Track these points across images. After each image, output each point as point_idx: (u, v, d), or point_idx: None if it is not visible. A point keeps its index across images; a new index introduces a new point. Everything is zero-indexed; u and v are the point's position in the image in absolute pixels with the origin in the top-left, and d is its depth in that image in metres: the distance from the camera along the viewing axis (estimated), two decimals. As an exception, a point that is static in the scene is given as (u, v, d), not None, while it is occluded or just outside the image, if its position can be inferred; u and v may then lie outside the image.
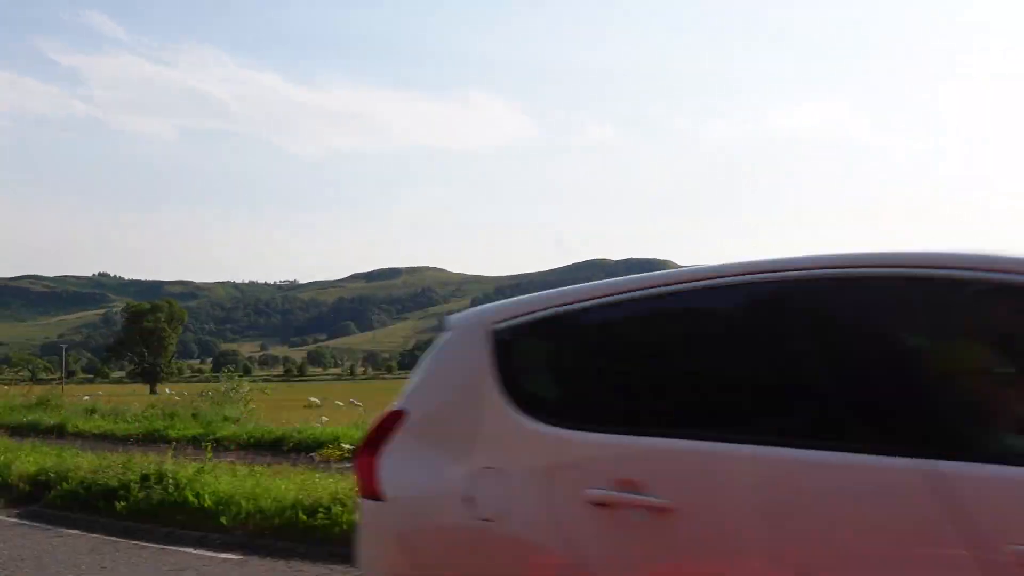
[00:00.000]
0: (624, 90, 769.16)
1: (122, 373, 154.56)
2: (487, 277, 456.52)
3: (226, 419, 15.88)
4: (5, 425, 15.94)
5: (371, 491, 2.68)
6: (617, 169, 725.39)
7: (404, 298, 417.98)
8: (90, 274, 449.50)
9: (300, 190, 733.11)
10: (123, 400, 23.86)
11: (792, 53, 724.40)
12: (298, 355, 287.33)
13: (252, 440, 13.69)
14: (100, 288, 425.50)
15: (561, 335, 2.74)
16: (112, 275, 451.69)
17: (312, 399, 16.13)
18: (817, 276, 2.20)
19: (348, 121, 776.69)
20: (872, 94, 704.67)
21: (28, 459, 10.24)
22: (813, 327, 2.24)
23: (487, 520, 2.40)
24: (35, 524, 8.15)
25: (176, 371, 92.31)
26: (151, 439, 14.01)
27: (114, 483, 8.25)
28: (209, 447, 10.53)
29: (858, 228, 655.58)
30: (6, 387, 25.21)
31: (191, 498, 7.56)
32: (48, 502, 8.73)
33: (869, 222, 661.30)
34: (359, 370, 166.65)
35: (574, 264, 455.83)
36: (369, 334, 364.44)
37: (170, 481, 7.87)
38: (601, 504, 2.21)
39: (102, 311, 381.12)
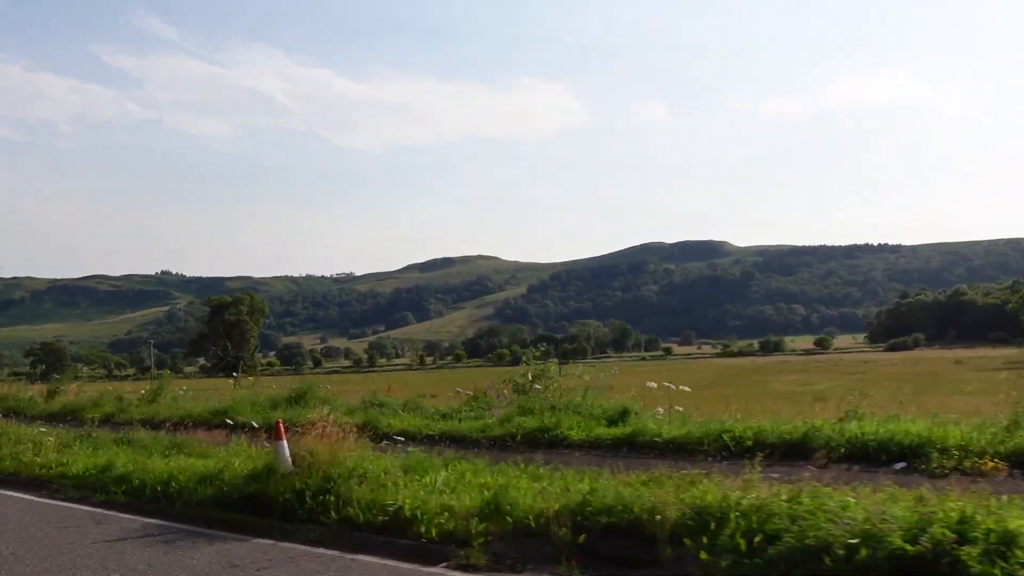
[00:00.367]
0: (675, 69, 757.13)
1: (193, 368, 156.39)
2: (541, 264, 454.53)
3: (625, 413, 11.76)
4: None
5: None
6: (670, 150, 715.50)
7: (460, 287, 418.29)
8: (153, 272, 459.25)
9: (353, 183, 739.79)
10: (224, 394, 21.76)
11: (848, 23, 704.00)
12: (358, 347, 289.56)
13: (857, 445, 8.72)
14: (163, 286, 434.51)
15: None
16: (174, 273, 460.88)
17: (650, 384, 12.87)
18: None
19: (398, 113, 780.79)
20: (934, 60, 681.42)
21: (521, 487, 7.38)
22: None
23: None
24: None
25: (257, 364, 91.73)
26: (536, 442, 10.94)
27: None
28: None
29: (925, 200, 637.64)
30: (120, 384, 24.15)
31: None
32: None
33: (936, 192, 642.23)
34: (428, 359, 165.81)
35: (629, 248, 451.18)
36: (427, 324, 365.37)
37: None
38: None
39: (166, 308, 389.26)
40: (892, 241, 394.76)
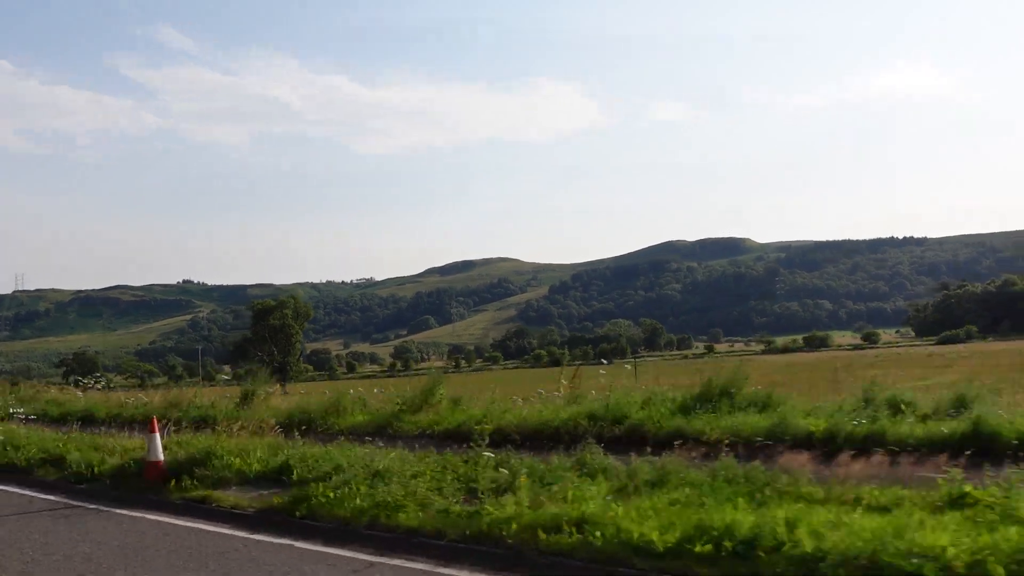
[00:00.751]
0: (693, 66, 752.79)
1: (227, 376, 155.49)
2: (561, 265, 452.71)
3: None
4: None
5: None
6: (689, 148, 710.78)
7: (480, 290, 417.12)
8: (175, 282, 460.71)
9: (370, 189, 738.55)
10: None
11: (867, 16, 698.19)
12: (382, 351, 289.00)
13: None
14: (185, 295, 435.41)
15: None
16: (196, 282, 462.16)
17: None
18: None
19: (414, 118, 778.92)
20: (956, 51, 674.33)
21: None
22: None
23: None
24: None
25: (302, 370, 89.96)
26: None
27: None
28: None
29: (950, 191, 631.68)
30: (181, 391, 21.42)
31: None
32: None
33: (961, 183, 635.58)
34: (462, 363, 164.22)
35: (650, 247, 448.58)
36: (448, 327, 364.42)
37: None
38: None
39: (189, 316, 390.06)
40: (917, 234, 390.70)
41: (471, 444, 9.86)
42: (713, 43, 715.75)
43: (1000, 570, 5.06)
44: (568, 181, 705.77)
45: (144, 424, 13.73)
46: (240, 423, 12.45)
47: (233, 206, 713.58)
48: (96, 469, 11.55)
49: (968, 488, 6.57)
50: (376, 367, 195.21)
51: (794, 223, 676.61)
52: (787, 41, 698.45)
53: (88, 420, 17.66)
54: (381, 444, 11.42)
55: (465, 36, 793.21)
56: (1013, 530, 5.56)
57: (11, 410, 18.80)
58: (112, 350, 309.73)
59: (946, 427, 8.86)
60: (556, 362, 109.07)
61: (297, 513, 8.59)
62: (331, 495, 8.57)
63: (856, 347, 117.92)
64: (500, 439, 10.48)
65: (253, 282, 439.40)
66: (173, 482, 10.36)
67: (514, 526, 7.01)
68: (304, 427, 13.55)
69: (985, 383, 13.17)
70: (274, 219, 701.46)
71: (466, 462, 9.18)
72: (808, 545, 5.70)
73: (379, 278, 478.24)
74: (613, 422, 10.97)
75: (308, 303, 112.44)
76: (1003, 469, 7.04)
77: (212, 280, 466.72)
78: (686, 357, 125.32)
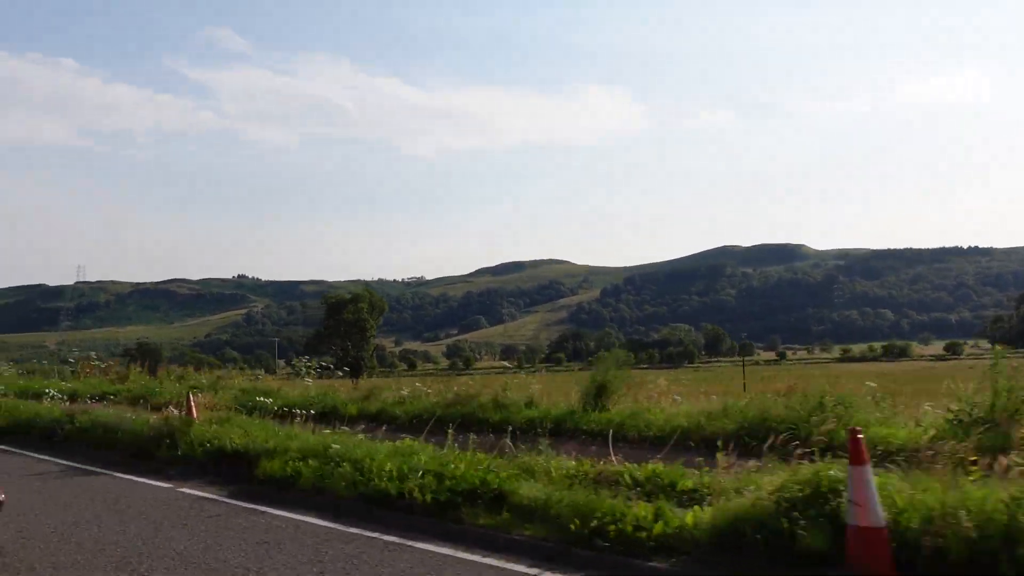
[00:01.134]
0: (740, 73, 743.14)
1: (286, 369, 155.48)
2: (613, 268, 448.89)
3: None
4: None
5: None
6: (738, 154, 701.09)
7: (532, 291, 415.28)
8: (230, 276, 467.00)
9: (421, 190, 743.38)
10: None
11: (917, 23, 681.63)
12: (433, 350, 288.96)
13: None
14: (240, 289, 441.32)
15: None
16: (250, 277, 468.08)
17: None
18: None
19: (463, 121, 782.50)
20: (1007, 58, 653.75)
21: None
22: None
23: None
24: None
25: (375, 366, 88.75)
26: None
27: None
28: None
29: (1012, 200, 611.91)
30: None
31: None
32: None
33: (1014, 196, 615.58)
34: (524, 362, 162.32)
35: (703, 251, 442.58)
36: (500, 327, 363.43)
37: None
38: None
39: (243, 311, 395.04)
40: (982, 244, 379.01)
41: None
42: (758, 52, 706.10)
43: None
44: (617, 185, 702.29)
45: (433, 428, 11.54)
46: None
47: (286, 205, 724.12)
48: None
49: None
50: (431, 365, 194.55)
51: (850, 229, 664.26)
52: (836, 49, 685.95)
53: (326, 416, 14.15)
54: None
55: (513, 42, 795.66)
56: None
57: (257, 399, 15.21)
58: (169, 342, 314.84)
59: None
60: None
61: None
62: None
63: (939, 357, 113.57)
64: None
65: (306, 279, 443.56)
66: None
67: None
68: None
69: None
70: (326, 218, 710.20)
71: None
72: None
73: (429, 277, 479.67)
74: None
75: (383, 298, 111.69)
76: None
77: (266, 276, 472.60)
78: (757, 364, 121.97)
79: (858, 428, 5.76)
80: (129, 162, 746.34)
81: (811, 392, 9.50)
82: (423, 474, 8.19)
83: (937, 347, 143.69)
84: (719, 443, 8.01)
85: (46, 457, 13.27)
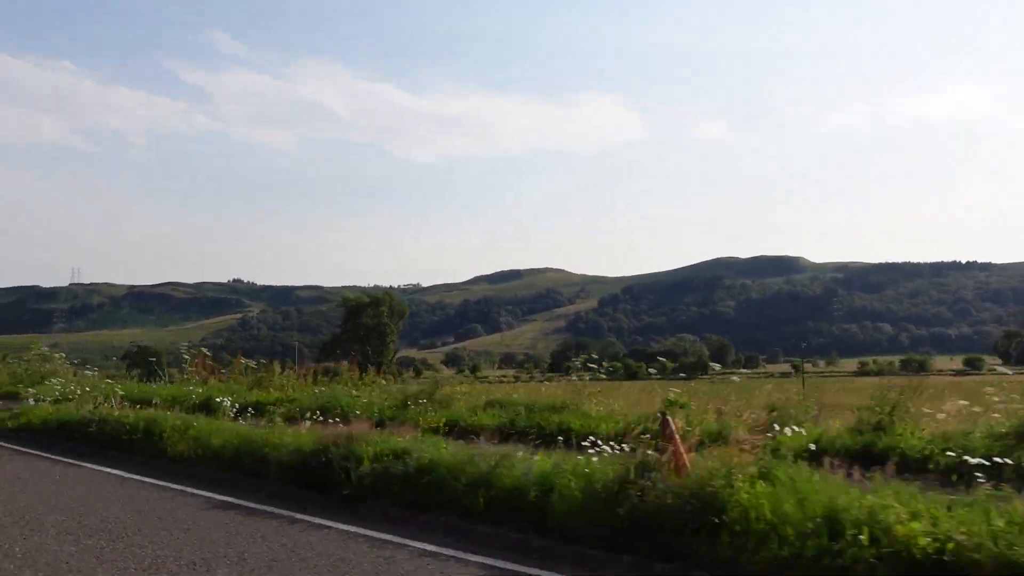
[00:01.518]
0: (739, 84, 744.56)
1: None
2: (610, 278, 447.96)
3: None
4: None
5: None
6: (733, 164, 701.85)
7: (529, 299, 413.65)
8: (225, 280, 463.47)
9: (417, 196, 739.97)
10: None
11: (916, 37, 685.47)
12: (431, 357, 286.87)
13: None
14: (235, 294, 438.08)
15: None
16: (246, 281, 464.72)
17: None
18: None
19: (459, 126, 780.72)
20: (1011, 74, 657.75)
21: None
22: None
23: None
24: None
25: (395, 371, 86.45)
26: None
27: None
28: None
29: (1011, 216, 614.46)
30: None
31: None
32: None
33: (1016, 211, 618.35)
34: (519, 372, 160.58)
35: (701, 262, 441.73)
36: (497, 336, 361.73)
37: None
38: None
39: (238, 315, 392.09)
40: (980, 259, 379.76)
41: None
42: (758, 62, 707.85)
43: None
44: (614, 193, 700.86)
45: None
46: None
47: (281, 209, 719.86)
48: None
49: None
50: (433, 373, 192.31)
51: (848, 243, 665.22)
52: (833, 61, 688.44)
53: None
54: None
55: (509, 47, 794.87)
56: None
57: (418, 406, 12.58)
58: (163, 345, 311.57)
59: None
60: (633, 375, 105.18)
61: None
62: None
63: (960, 372, 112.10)
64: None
65: (302, 284, 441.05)
66: None
67: None
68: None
69: None
70: (321, 223, 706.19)
71: None
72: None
73: (425, 284, 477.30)
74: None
75: (403, 302, 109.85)
76: None
77: (261, 280, 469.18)
78: (771, 376, 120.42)
79: None
80: (125, 164, 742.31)
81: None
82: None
83: (956, 362, 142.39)
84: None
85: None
